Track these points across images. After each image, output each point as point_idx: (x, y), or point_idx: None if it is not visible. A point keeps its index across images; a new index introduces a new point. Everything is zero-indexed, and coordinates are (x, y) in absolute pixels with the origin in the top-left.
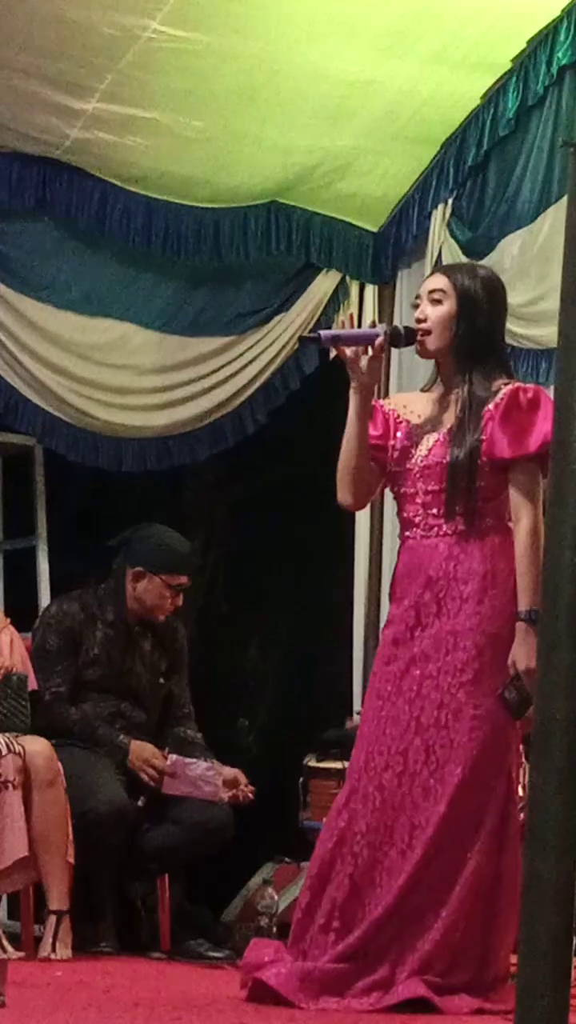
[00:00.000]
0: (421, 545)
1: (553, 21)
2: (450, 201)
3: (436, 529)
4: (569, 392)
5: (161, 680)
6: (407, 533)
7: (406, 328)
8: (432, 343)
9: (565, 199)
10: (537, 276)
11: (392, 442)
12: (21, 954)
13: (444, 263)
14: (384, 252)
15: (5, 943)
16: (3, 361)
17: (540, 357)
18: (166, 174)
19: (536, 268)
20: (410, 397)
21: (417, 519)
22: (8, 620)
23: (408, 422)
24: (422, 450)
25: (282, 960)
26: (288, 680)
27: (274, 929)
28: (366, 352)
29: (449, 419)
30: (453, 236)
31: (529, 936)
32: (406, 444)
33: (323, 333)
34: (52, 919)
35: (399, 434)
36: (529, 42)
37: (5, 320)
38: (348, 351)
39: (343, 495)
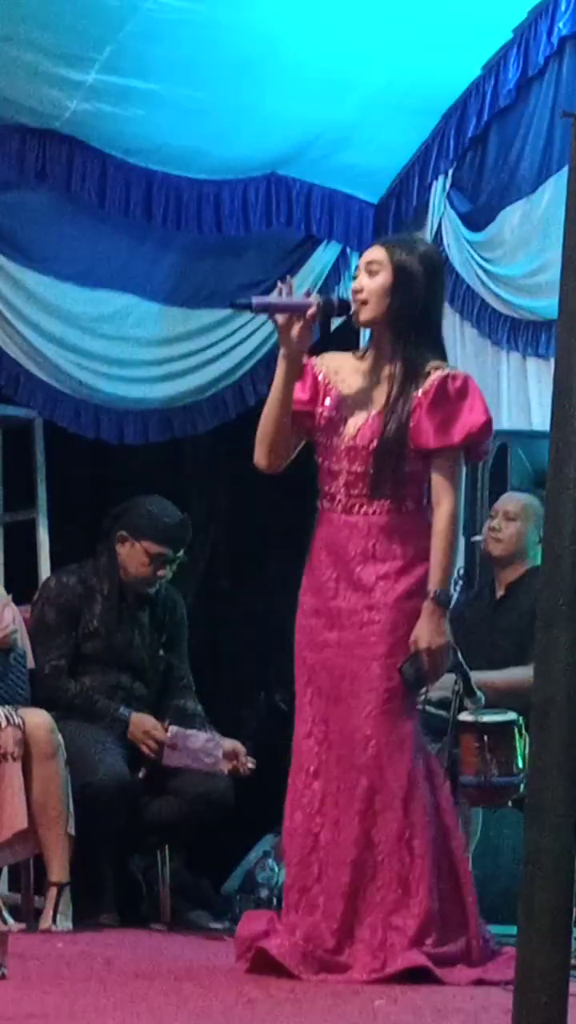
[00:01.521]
0: (341, 520)
1: None
2: (450, 172)
3: (357, 507)
4: (569, 364)
5: (160, 652)
6: (327, 505)
7: (340, 299)
8: (367, 313)
9: (565, 170)
10: (537, 247)
11: (320, 409)
12: (22, 926)
13: (444, 235)
14: (384, 223)
15: (6, 915)
16: (4, 333)
17: (540, 329)
18: (166, 146)
19: (536, 239)
20: (342, 361)
21: (339, 495)
22: (9, 597)
23: (338, 390)
24: (350, 428)
25: (277, 931)
26: (288, 655)
27: (274, 900)
28: (299, 320)
29: (379, 396)
30: (453, 207)
31: (528, 908)
32: (334, 415)
33: (255, 299)
34: (53, 891)
35: (328, 401)
36: (530, 12)
37: (6, 292)
38: (280, 318)
39: (259, 457)
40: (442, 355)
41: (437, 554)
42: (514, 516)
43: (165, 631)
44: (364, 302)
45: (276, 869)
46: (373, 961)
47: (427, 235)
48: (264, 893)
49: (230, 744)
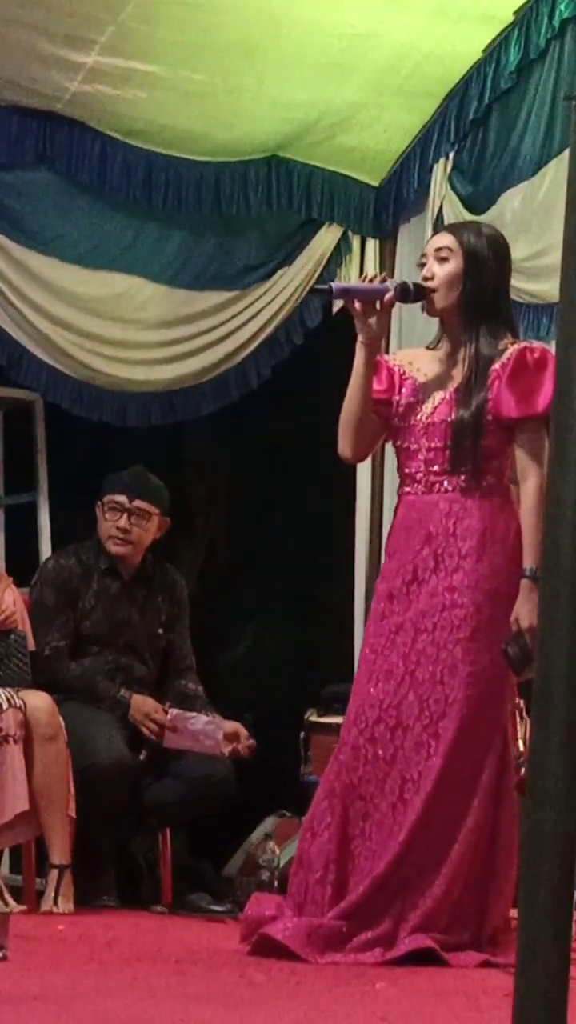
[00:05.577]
0: (421, 501)
1: None
2: (451, 155)
3: (437, 486)
4: (570, 347)
5: (160, 631)
6: (407, 489)
7: (415, 284)
8: (439, 301)
9: (566, 153)
10: (538, 230)
11: (397, 397)
12: (23, 908)
13: (445, 218)
14: (385, 206)
15: (7, 897)
16: (7, 315)
17: (541, 312)
18: (166, 128)
19: (537, 222)
20: (416, 354)
21: (419, 475)
22: (10, 579)
23: (414, 379)
24: (427, 407)
25: (284, 915)
26: (289, 635)
27: (275, 883)
28: (375, 306)
29: (455, 377)
30: (454, 190)
31: (529, 891)
32: (411, 400)
33: (334, 285)
34: (54, 873)
35: (404, 390)
36: None
37: (8, 273)
38: (357, 305)
39: (343, 447)
40: (514, 333)
41: (529, 532)
42: None
43: (165, 610)
44: (435, 290)
45: (277, 851)
46: (380, 944)
47: (428, 218)
48: (265, 876)
49: (231, 726)
